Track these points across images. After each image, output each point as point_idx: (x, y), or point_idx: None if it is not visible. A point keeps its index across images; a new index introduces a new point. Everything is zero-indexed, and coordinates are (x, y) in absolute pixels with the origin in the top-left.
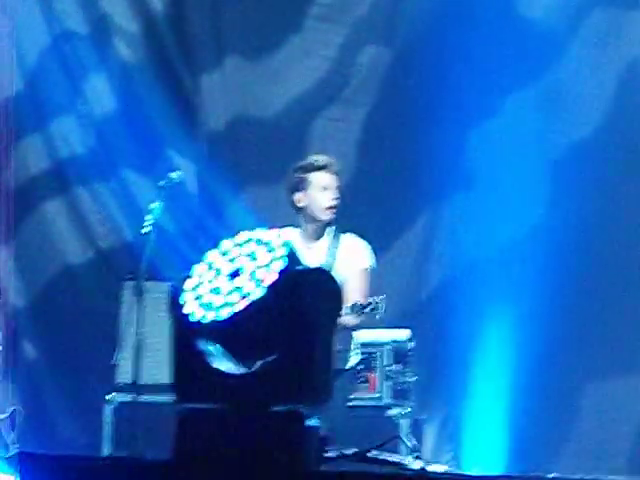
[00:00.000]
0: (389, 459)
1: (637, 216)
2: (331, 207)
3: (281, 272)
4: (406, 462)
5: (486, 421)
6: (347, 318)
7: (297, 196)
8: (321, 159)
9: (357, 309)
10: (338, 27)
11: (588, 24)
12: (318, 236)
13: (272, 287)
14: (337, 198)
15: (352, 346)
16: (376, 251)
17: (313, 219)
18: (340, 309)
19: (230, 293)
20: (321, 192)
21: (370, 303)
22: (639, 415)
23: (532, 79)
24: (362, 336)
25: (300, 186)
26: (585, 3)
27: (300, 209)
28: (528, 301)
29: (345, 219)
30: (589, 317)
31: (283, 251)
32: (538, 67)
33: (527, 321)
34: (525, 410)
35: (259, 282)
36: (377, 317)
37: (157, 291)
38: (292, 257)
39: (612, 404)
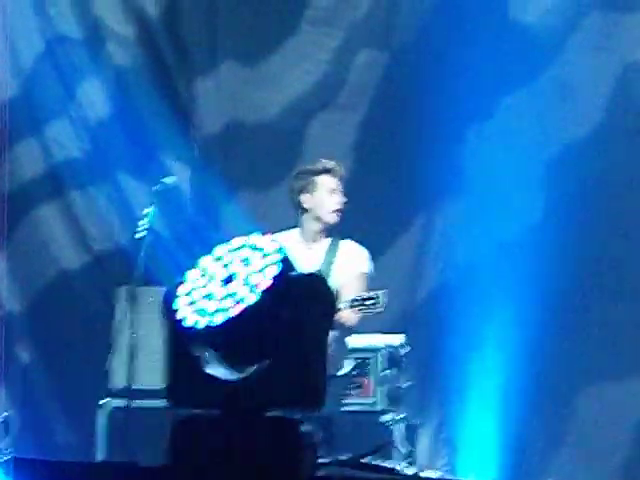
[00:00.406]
0: (383, 465)
1: (633, 219)
2: (337, 210)
3: (275, 278)
4: (400, 468)
5: (481, 426)
6: (346, 315)
7: (304, 197)
8: (328, 163)
9: (358, 303)
10: (333, 31)
11: (585, 27)
12: (318, 238)
13: (266, 292)
14: (344, 202)
15: (346, 351)
16: (371, 255)
17: (317, 221)
18: (333, 315)
19: (224, 299)
20: (328, 195)
21: (371, 297)
22: (634, 420)
23: (528, 82)
24: (356, 341)
25: (307, 188)
26: (582, 6)
27: (305, 210)
28: (523, 305)
29: (340, 223)
30: (584, 321)
31: (277, 257)
32: (534, 70)
33: (522, 325)
34: (520, 415)
35: (253, 287)
36: (378, 311)
37: (151, 296)
38: (286, 263)
39: (607, 409)
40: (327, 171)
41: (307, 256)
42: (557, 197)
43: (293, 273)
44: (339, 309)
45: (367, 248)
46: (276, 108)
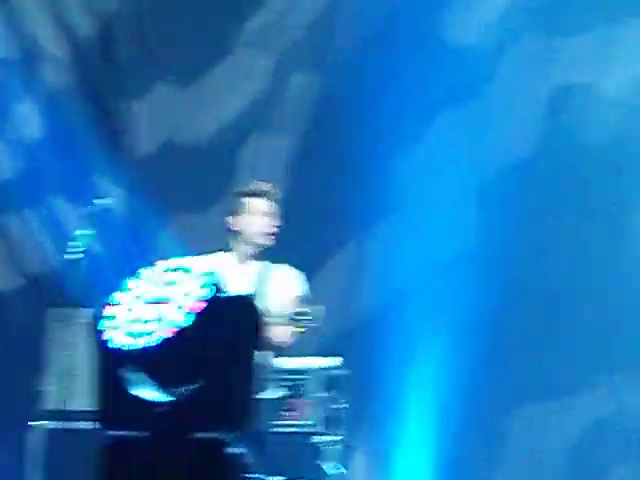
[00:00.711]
0: None
1: (565, 241)
2: (269, 233)
3: (204, 300)
4: None
5: (416, 448)
6: (280, 332)
7: (233, 220)
8: (260, 185)
9: (293, 318)
10: (267, 53)
11: (517, 49)
12: (251, 261)
13: (194, 315)
14: (277, 225)
15: (279, 373)
16: (306, 277)
17: (248, 244)
18: (261, 336)
19: (152, 321)
20: (260, 217)
21: (305, 312)
22: (568, 440)
23: (461, 104)
24: (292, 363)
25: (237, 210)
26: (514, 28)
27: (236, 233)
28: (457, 326)
29: (274, 245)
30: (518, 341)
31: (206, 279)
32: (466, 92)
33: (456, 346)
34: (455, 437)
35: (182, 310)
36: (314, 326)
37: (83, 317)
38: (216, 286)
39: (541, 429)
40: (258, 194)
41: (240, 279)
42: (491, 219)
43: (221, 295)
44: (273, 325)
45: (301, 269)
46: (210, 130)
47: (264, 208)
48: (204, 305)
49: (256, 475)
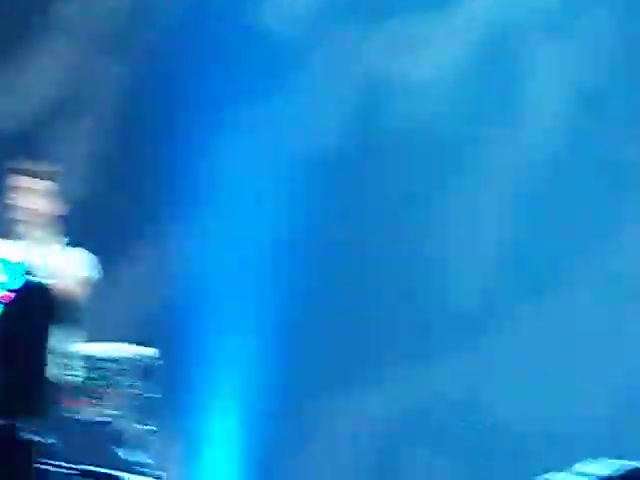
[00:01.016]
0: (104, 472)
1: (377, 230)
2: (29, 209)
3: (12, 290)
4: (126, 477)
5: (223, 436)
6: (65, 286)
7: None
8: (23, 165)
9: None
10: (73, 40)
11: (329, 36)
12: (32, 242)
13: (2, 305)
14: (34, 202)
15: (81, 360)
16: (105, 265)
17: (21, 223)
18: (52, 325)
19: None
20: (22, 195)
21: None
22: (379, 430)
23: (272, 93)
24: (101, 351)
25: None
26: (326, 15)
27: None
28: (267, 317)
29: (74, 233)
30: (328, 332)
31: (15, 268)
32: (278, 81)
33: (267, 338)
34: (265, 427)
35: None
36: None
37: None
38: (24, 275)
39: (351, 418)
40: (21, 171)
41: (31, 261)
42: (299, 209)
43: (29, 284)
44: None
45: (100, 258)
46: (12, 116)
47: (20, 184)
48: (12, 295)
49: (57, 462)
